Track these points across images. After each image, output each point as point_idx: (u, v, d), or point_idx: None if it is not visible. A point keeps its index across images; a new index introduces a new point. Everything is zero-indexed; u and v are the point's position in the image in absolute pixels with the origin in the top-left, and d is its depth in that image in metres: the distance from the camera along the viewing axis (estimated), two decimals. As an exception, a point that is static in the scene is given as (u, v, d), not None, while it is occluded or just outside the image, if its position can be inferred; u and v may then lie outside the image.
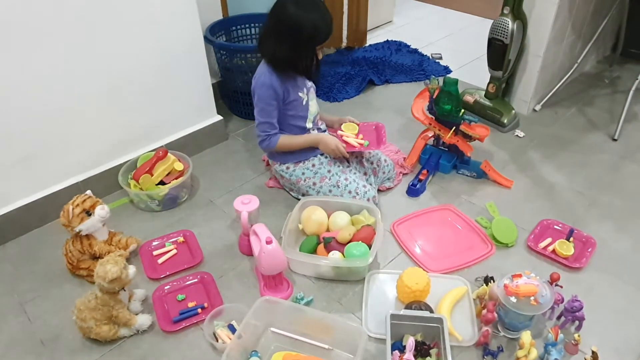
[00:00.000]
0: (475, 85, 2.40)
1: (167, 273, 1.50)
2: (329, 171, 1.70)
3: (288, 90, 1.60)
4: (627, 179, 1.87)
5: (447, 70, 2.68)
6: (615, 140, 2.08)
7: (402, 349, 1.20)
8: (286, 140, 1.66)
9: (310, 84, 1.71)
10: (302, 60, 1.57)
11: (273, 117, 1.63)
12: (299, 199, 1.68)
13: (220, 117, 2.07)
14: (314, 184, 1.70)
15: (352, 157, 1.78)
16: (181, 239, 1.62)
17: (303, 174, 1.71)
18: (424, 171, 1.86)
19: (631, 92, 2.11)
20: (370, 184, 1.74)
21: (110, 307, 1.26)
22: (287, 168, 1.72)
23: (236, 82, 2.17)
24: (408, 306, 1.32)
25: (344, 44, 2.88)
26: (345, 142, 1.70)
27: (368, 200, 1.65)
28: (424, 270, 1.43)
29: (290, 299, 1.41)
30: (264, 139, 1.65)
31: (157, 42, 1.71)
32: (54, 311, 1.40)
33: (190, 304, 1.40)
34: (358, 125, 1.78)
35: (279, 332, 1.31)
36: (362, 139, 1.72)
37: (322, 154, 1.72)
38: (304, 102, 1.67)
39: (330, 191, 1.68)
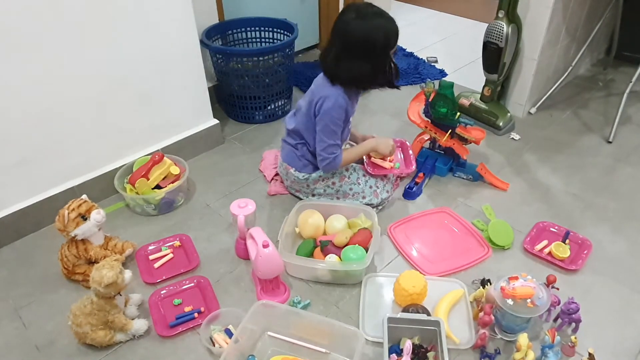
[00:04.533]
0: (471, 89, 2.40)
1: (164, 277, 1.50)
2: (346, 169, 1.70)
3: (350, 112, 1.61)
4: (621, 181, 1.88)
5: (442, 73, 2.69)
6: (610, 142, 2.09)
7: (399, 352, 1.20)
8: (347, 155, 1.64)
9: (356, 106, 1.69)
10: (383, 70, 1.54)
11: (339, 138, 1.61)
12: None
13: (216, 121, 2.06)
14: (334, 183, 1.69)
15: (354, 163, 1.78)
16: (177, 243, 1.62)
17: (320, 176, 1.70)
18: (420, 174, 1.87)
19: (625, 95, 2.12)
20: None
21: (106, 312, 1.25)
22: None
23: (232, 86, 2.17)
24: (405, 309, 1.32)
25: (340, 47, 2.88)
26: (377, 165, 1.71)
27: (387, 192, 1.67)
28: (421, 273, 1.43)
29: (287, 303, 1.41)
30: (330, 161, 1.59)
31: (153, 46, 1.71)
32: (49, 316, 1.39)
33: (187, 309, 1.39)
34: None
35: (276, 336, 1.31)
36: (392, 159, 1.73)
37: None
38: (349, 124, 1.69)
39: (350, 189, 1.68)
